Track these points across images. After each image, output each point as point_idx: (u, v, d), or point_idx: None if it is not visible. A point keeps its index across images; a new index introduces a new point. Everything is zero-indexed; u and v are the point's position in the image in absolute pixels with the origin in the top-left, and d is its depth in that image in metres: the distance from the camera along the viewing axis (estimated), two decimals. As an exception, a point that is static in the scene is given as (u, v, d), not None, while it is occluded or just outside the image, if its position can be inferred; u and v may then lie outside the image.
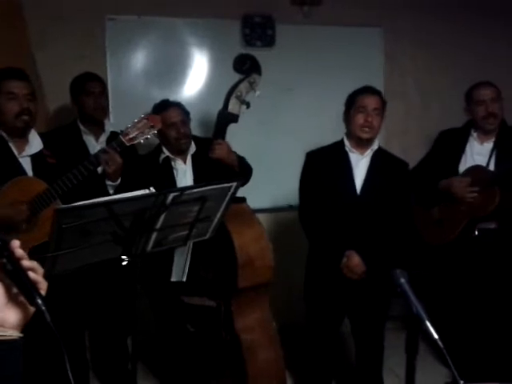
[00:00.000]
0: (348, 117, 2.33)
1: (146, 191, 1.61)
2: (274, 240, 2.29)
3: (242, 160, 2.49)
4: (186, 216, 1.73)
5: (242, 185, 2.50)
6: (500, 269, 2.52)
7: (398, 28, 3.45)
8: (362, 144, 2.31)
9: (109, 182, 2.31)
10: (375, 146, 2.34)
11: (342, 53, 3.34)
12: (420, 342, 1.30)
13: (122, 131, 2.52)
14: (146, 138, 2.21)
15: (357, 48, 3.38)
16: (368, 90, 2.31)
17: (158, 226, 1.68)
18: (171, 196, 1.61)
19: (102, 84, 2.57)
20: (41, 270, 0.90)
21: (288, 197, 2.45)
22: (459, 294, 2.66)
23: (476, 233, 2.57)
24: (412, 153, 2.94)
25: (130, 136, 2.16)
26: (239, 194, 2.38)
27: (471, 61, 3.49)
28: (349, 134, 2.34)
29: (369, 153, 2.32)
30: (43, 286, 0.89)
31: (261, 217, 2.42)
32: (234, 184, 1.76)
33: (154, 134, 2.22)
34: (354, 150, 2.32)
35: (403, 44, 3.50)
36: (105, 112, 2.56)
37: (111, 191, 2.31)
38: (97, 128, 2.56)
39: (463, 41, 3.54)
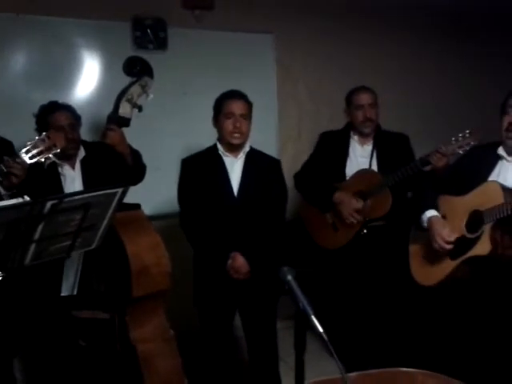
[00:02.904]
0: (217, 122, 2.34)
1: (20, 200, 1.49)
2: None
3: (136, 153, 2.42)
4: (69, 225, 1.63)
5: (136, 183, 2.45)
6: (387, 263, 2.68)
7: (289, 35, 3.54)
8: (233, 148, 2.35)
9: (4, 192, 2.15)
10: (247, 148, 2.38)
11: (235, 58, 3.37)
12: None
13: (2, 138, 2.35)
14: (48, 158, 2.07)
15: (249, 53, 3.43)
16: (234, 95, 2.32)
17: (37, 236, 1.57)
18: (49, 204, 1.51)
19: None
20: None
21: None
22: (349, 290, 2.78)
23: (365, 231, 2.71)
24: (305, 155, 3.05)
25: (31, 154, 2.01)
26: (134, 200, 2.32)
27: (359, 67, 3.69)
28: (220, 139, 2.37)
29: (241, 155, 2.37)
30: None
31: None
32: (120, 190, 1.69)
33: (55, 153, 2.08)
34: (228, 154, 2.36)
35: (294, 50, 3.60)
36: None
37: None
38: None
39: (351, 48, 3.72)
